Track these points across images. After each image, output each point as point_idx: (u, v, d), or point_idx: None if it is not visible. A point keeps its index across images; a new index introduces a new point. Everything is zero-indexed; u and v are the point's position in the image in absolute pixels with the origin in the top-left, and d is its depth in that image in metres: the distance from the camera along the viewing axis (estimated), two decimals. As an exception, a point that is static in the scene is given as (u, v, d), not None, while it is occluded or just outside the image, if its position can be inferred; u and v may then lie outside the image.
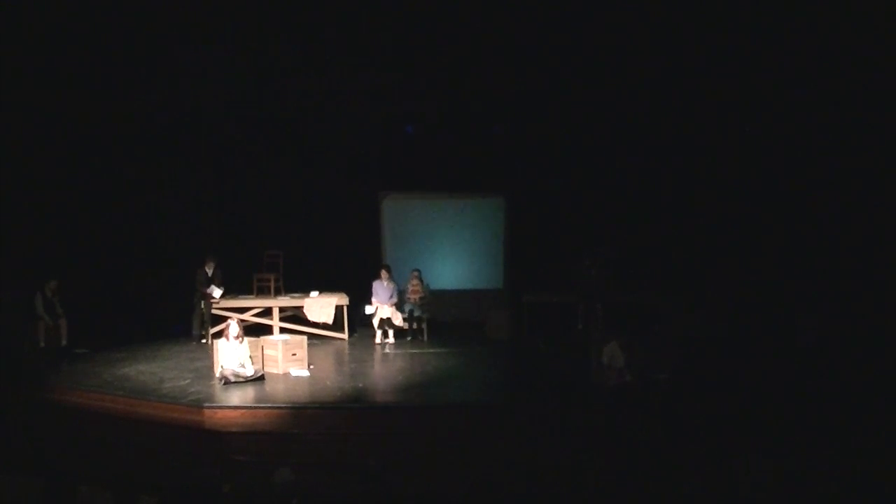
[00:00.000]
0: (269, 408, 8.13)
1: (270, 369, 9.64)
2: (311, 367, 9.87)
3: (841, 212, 11.52)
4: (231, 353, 9.17)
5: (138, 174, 13.03)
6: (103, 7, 11.64)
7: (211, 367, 9.49)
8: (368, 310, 11.69)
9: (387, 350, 11.32)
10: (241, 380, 9.00)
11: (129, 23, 11.92)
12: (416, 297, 11.85)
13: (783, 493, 5.81)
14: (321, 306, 11.82)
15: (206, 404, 8.12)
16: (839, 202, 11.57)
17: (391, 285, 11.81)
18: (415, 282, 11.91)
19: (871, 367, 9.44)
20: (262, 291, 11.98)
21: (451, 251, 13.68)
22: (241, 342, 9.26)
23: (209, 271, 11.71)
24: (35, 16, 11.38)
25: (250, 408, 8.13)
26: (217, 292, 11.59)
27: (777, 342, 10.89)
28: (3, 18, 11.03)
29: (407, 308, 11.77)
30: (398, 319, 11.74)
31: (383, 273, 11.89)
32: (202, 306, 11.65)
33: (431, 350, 11.13)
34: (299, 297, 11.97)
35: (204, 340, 11.50)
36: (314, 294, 11.97)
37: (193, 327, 12.06)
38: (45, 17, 11.47)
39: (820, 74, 11.29)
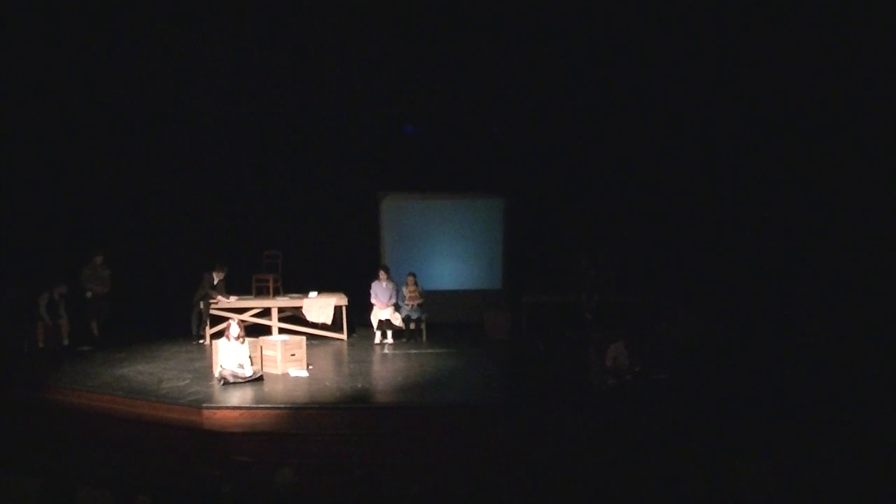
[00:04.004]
0: (269, 408, 8.13)
1: (269, 370, 9.63)
2: (311, 367, 9.86)
3: (841, 210, 11.52)
4: (231, 354, 9.16)
5: (138, 174, 13.03)
6: (103, 6, 11.65)
7: (210, 368, 9.49)
8: (380, 315, 11.68)
9: (386, 351, 11.31)
10: (240, 380, 9.00)
11: (129, 24, 11.92)
12: (415, 302, 11.77)
13: (783, 493, 5.80)
14: (320, 307, 11.81)
15: (206, 405, 8.11)
16: (839, 200, 11.56)
17: (390, 286, 11.79)
18: (412, 287, 11.82)
19: (870, 366, 9.43)
20: (261, 292, 11.97)
21: (450, 251, 13.64)
22: (242, 343, 9.25)
23: (216, 279, 11.68)
24: (37, 16, 11.38)
25: (249, 408, 8.13)
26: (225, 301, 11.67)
27: (777, 342, 10.89)
28: (6, 16, 11.03)
29: (404, 312, 11.71)
30: (397, 320, 11.73)
31: (382, 274, 11.87)
32: (201, 306, 11.64)
33: (430, 350, 11.13)
34: (298, 298, 11.95)
35: (202, 341, 11.49)
36: (313, 294, 11.96)
37: (192, 326, 12.05)
38: (48, 18, 11.47)
39: (821, 74, 11.30)
